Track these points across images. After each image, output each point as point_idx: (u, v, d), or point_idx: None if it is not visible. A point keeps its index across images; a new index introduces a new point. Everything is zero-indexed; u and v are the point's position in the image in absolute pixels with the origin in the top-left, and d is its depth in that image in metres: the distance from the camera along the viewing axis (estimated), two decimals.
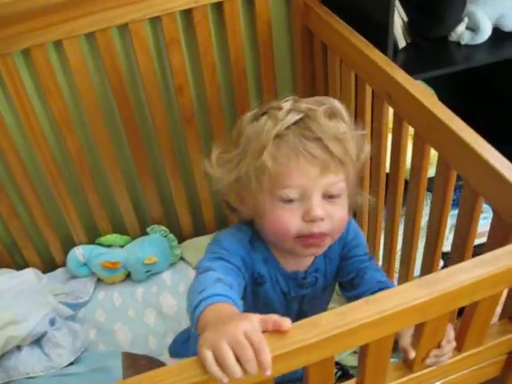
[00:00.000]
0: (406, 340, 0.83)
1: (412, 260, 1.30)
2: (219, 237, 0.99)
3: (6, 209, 1.55)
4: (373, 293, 0.97)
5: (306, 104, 0.90)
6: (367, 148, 0.96)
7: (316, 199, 0.87)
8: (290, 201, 0.87)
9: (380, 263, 1.50)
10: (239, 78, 1.49)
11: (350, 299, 1.04)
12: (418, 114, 1.03)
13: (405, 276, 1.35)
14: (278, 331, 0.66)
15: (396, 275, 1.46)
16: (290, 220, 0.88)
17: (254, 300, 1.01)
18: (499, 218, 0.88)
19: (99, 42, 1.35)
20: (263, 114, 0.91)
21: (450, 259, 1.11)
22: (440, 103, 1.00)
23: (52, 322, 1.42)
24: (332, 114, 0.90)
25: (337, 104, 0.93)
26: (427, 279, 0.70)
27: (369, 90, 1.21)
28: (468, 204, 0.96)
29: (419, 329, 0.78)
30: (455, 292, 0.69)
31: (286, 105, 0.90)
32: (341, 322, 0.66)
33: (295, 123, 0.87)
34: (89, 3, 1.28)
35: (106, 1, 1.29)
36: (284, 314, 1.05)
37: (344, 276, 1.05)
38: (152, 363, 1.41)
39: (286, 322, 0.66)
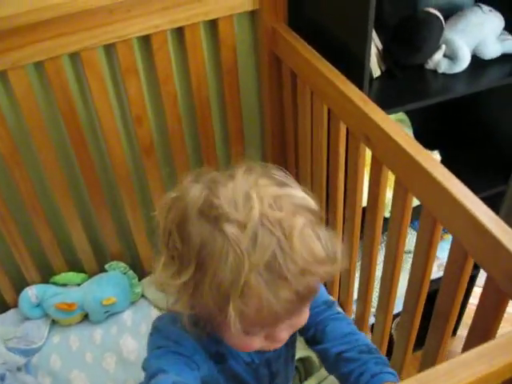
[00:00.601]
0: None
1: (392, 297, 1.22)
2: (160, 326, 0.88)
3: None
4: (340, 352, 0.91)
5: (273, 211, 0.69)
6: (338, 249, 0.76)
7: (281, 328, 0.77)
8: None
9: (354, 301, 1.43)
10: (202, 108, 1.39)
11: (318, 352, 0.97)
12: (399, 161, 0.96)
13: (383, 316, 1.27)
14: None
15: (372, 309, 1.38)
16: (254, 343, 0.78)
17: (225, 378, 0.91)
18: (493, 283, 0.81)
19: (48, 72, 1.23)
20: (217, 222, 0.69)
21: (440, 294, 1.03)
22: (424, 150, 0.92)
23: (2, 378, 1.30)
24: (309, 230, 0.71)
25: (303, 199, 0.74)
26: (425, 378, 0.61)
27: (343, 128, 1.12)
28: (456, 264, 0.88)
29: None
30: None
31: (249, 216, 0.68)
32: None
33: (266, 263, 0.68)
34: (36, 30, 1.16)
35: (55, 28, 1.17)
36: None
37: (304, 332, 0.97)
38: None
39: None
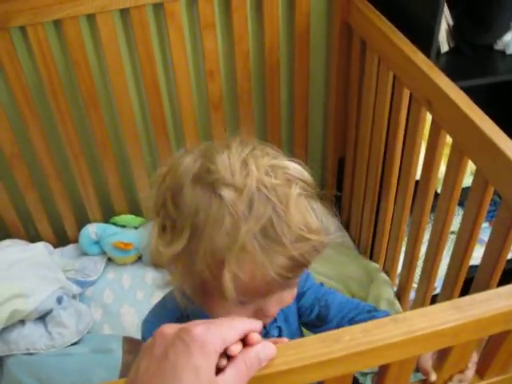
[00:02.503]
0: (427, 361, 0.79)
1: (434, 273, 1.26)
2: (145, 323, 0.93)
3: (23, 179, 1.52)
4: (352, 318, 0.93)
5: (270, 178, 0.69)
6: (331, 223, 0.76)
7: (272, 303, 0.76)
8: None
9: (398, 273, 1.47)
10: (271, 68, 1.45)
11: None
12: (459, 125, 0.99)
13: (424, 289, 1.31)
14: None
15: (414, 285, 1.42)
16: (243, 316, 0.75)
17: None
18: None
19: (133, 20, 1.31)
20: (214, 186, 0.69)
21: (478, 276, 1.07)
22: (486, 116, 0.95)
23: (59, 301, 1.39)
24: (304, 200, 0.72)
25: (298, 171, 0.74)
26: (462, 302, 0.65)
27: (406, 94, 1.17)
28: (504, 225, 0.92)
29: (444, 353, 0.74)
30: (490, 319, 0.65)
31: (246, 181, 0.68)
32: (365, 339, 0.62)
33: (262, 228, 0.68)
34: None
35: None
36: None
37: (308, 314, 0.97)
38: None
39: None
